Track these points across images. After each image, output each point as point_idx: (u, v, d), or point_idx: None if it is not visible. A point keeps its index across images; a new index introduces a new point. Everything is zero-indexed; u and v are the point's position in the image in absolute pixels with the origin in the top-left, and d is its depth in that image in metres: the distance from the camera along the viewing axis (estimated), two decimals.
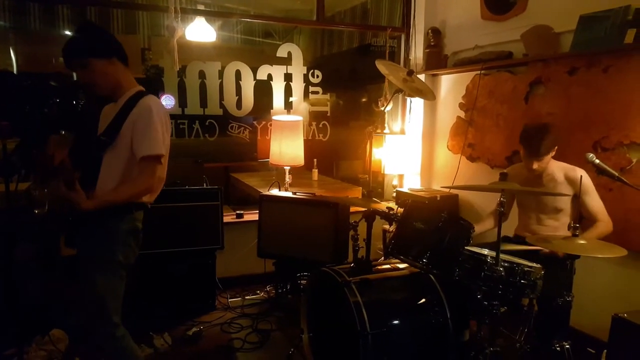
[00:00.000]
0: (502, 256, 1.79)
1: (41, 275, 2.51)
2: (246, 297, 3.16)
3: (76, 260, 1.79)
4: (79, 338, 2.29)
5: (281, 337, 2.65)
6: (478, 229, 2.31)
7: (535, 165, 2.14)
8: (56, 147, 1.67)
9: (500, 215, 1.75)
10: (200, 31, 3.18)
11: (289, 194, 3.00)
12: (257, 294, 3.24)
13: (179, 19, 2.94)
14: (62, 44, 1.70)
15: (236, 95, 3.48)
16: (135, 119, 1.70)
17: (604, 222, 2.10)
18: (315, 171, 3.85)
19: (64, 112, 3.80)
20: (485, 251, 1.92)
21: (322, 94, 3.76)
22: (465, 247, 1.87)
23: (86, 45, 1.69)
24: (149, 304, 2.75)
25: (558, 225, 2.23)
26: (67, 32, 3.54)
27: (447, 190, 3.26)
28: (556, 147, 2.17)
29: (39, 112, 3.63)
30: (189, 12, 3.14)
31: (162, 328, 2.63)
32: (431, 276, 2.00)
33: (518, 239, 2.30)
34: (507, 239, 2.32)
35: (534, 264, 1.83)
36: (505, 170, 1.94)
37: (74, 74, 3.16)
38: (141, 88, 1.81)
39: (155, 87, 3.34)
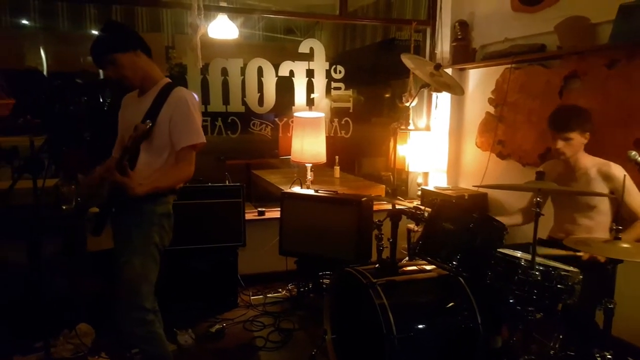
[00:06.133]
0: (536, 259, 1.70)
1: (68, 269, 2.55)
2: (268, 295, 3.14)
3: (105, 253, 1.83)
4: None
5: (304, 337, 2.62)
6: (504, 221, 2.24)
7: (560, 144, 2.07)
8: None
9: (537, 217, 1.66)
10: (222, 28, 3.16)
11: (310, 192, 2.96)
12: (279, 292, 3.22)
13: (202, 16, 2.93)
14: (90, 44, 1.76)
15: (258, 92, 3.46)
16: (172, 110, 1.76)
17: None
18: (337, 168, 3.80)
19: (91, 110, 3.89)
20: (519, 254, 1.83)
21: (345, 89, 3.70)
22: (498, 250, 1.79)
23: (110, 42, 1.76)
24: (172, 300, 2.75)
25: (592, 225, 2.12)
26: (94, 32, 3.59)
27: (476, 188, 3.15)
28: (588, 134, 2.09)
29: (67, 111, 3.72)
30: (211, 9, 3.13)
31: (185, 324, 2.64)
32: (460, 279, 1.92)
33: (552, 242, 2.19)
34: (541, 242, 2.21)
35: (572, 268, 1.73)
36: (541, 169, 1.84)
37: (100, 72, 3.22)
38: (169, 80, 1.88)
39: (178, 84, 3.34)
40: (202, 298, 2.88)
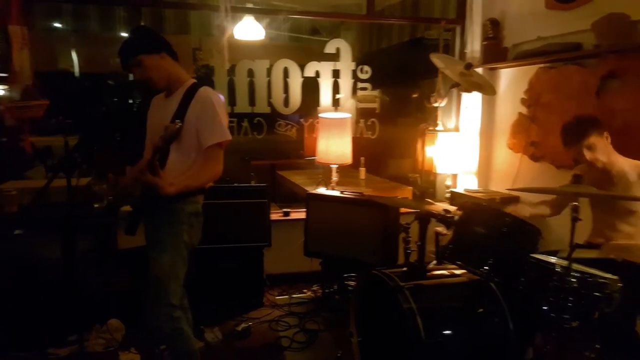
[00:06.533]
0: (573, 265, 1.63)
1: (100, 266, 2.63)
2: (293, 296, 3.15)
3: (135, 251, 1.88)
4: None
5: (329, 338, 2.61)
6: (529, 210, 2.24)
7: (587, 155, 2.05)
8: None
9: (574, 222, 1.60)
10: (249, 29, 3.19)
11: (336, 193, 2.95)
12: (304, 292, 3.22)
13: (229, 17, 2.96)
14: (119, 45, 1.83)
15: (284, 93, 3.47)
16: (199, 110, 1.80)
17: None
18: (362, 170, 3.77)
19: (121, 111, 3.99)
20: (553, 259, 1.76)
21: (371, 90, 3.66)
22: (532, 255, 1.73)
23: (136, 45, 1.82)
24: (200, 298, 2.79)
25: (633, 232, 2.03)
26: (124, 34, 3.69)
27: (507, 191, 3.06)
28: (606, 133, 2.06)
29: (99, 111, 3.83)
30: (238, 11, 3.16)
31: (212, 322, 2.67)
32: (492, 284, 1.87)
33: (590, 247, 2.10)
34: (578, 247, 2.13)
35: (610, 275, 1.66)
36: (578, 171, 1.77)
37: (130, 75, 3.31)
38: (194, 80, 1.92)
39: (204, 85, 3.38)
40: (228, 296, 2.90)
